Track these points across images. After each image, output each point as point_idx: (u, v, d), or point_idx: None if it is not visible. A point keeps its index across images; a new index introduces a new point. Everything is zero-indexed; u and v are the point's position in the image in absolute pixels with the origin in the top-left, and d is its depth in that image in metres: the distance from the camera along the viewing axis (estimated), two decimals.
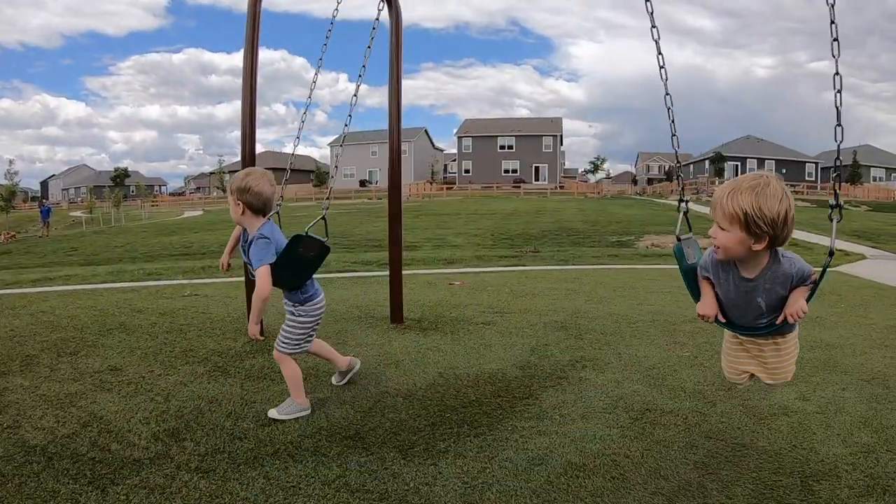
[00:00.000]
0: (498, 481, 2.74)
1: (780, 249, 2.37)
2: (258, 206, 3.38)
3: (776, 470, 2.86)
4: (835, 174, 2.51)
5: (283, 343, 3.52)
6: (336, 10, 4.44)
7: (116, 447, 3.01)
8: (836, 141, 2.51)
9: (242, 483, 2.69)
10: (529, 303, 7.07)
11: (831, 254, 2.39)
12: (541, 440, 3.17)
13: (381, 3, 4.90)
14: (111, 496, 2.55)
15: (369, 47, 4.17)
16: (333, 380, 4.01)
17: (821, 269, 2.38)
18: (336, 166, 4.55)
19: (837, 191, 2.48)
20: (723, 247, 2.33)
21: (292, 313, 3.53)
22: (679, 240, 2.74)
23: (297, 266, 3.41)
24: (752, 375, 2.80)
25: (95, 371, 4.18)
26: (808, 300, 2.37)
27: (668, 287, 8.71)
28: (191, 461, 2.88)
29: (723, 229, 2.30)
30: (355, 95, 4.29)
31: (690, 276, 2.69)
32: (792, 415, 3.55)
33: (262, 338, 3.50)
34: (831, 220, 2.42)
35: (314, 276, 3.59)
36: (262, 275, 3.24)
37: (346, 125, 4.24)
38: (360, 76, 4.25)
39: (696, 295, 2.66)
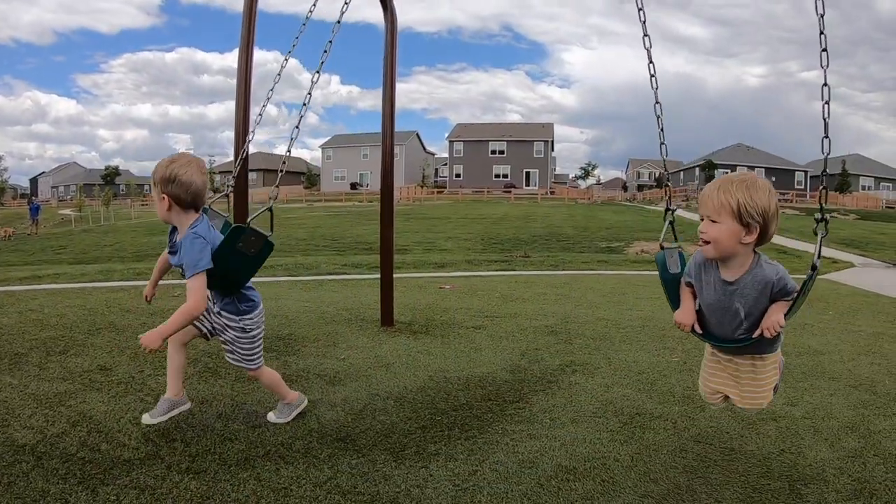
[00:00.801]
0: (489, 484, 2.74)
1: (763, 255, 2.40)
2: (187, 200, 2.86)
3: (765, 474, 2.89)
4: (822, 187, 2.59)
5: (248, 361, 3.21)
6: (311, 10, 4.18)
7: (106, 447, 3.00)
8: (822, 153, 2.52)
9: (233, 484, 2.68)
10: (519, 307, 7.09)
11: (814, 268, 2.34)
12: (531, 443, 3.18)
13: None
14: (101, 496, 2.54)
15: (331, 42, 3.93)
16: (145, 417, 3.17)
17: (803, 282, 2.34)
18: (288, 151, 4.27)
19: (823, 204, 2.50)
20: (714, 240, 2.34)
21: (242, 329, 3.14)
22: (662, 248, 2.77)
23: (238, 266, 2.96)
24: (727, 397, 2.75)
25: (85, 370, 4.16)
26: (786, 315, 2.32)
27: (657, 293, 8.74)
28: (181, 462, 2.87)
29: (714, 222, 2.33)
30: (310, 93, 3.93)
31: (671, 285, 2.71)
32: (780, 420, 3.57)
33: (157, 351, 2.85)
34: (816, 234, 2.39)
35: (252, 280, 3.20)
36: (197, 284, 2.80)
37: (300, 115, 3.75)
38: (321, 62, 3.86)
39: (676, 304, 2.67)
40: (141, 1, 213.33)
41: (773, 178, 66.74)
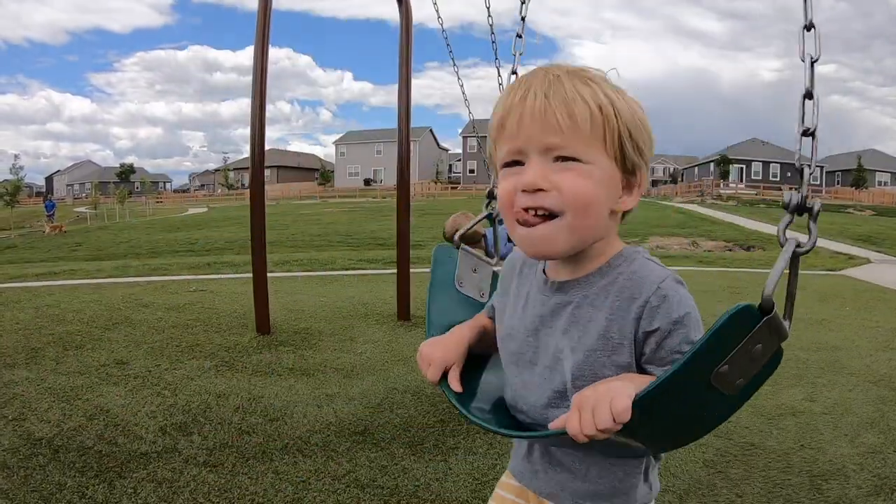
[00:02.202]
0: None
1: (639, 248, 1.14)
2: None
3: (785, 469, 2.86)
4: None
5: None
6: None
7: (123, 440, 3.01)
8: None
9: (251, 477, 2.69)
10: None
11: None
12: None
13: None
14: (118, 489, 2.55)
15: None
16: None
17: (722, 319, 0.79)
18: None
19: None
20: (578, 202, 0.99)
21: None
22: (458, 245, 1.54)
23: None
24: None
25: (101, 364, 4.18)
26: (644, 397, 0.82)
27: None
28: (199, 455, 2.88)
29: (568, 160, 0.98)
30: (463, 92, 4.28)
31: (440, 289, 1.46)
32: (799, 415, 3.54)
33: None
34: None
35: None
36: None
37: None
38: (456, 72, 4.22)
39: (434, 324, 1.36)
40: (153, 0, 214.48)
41: (789, 174, 66.23)
